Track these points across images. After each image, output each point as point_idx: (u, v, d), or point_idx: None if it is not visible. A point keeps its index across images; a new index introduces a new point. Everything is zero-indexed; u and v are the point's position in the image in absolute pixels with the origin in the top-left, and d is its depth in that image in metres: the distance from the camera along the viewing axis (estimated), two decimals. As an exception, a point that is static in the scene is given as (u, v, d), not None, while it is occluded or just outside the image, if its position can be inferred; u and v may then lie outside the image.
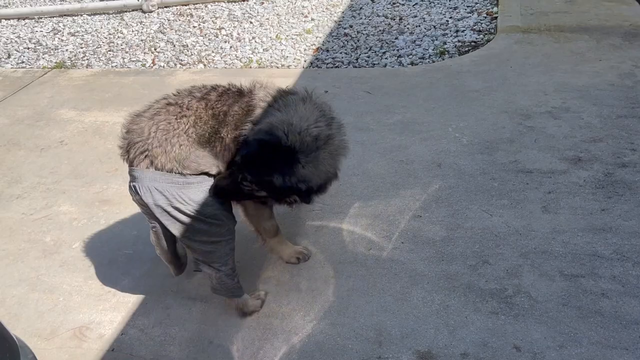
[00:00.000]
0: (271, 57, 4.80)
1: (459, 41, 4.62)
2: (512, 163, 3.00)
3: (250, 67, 4.67)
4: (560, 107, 3.45)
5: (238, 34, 5.35)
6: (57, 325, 2.40)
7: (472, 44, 4.55)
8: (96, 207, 3.12)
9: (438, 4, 5.43)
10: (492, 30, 4.72)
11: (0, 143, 3.91)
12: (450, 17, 5.08)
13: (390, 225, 2.70)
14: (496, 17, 4.89)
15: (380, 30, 5.02)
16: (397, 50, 4.61)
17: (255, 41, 5.14)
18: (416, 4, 5.49)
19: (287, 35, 5.18)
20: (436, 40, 4.68)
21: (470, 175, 2.96)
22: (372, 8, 5.53)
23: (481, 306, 2.22)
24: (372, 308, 2.28)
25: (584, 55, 4.05)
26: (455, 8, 5.27)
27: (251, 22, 5.59)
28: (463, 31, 4.77)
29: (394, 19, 5.21)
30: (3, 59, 5.53)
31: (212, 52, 5.08)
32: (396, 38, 4.82)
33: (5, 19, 6.63)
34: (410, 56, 4.49)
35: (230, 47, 5.10)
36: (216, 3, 6.20)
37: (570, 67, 3.90)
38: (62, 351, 2.28)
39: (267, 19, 5.63)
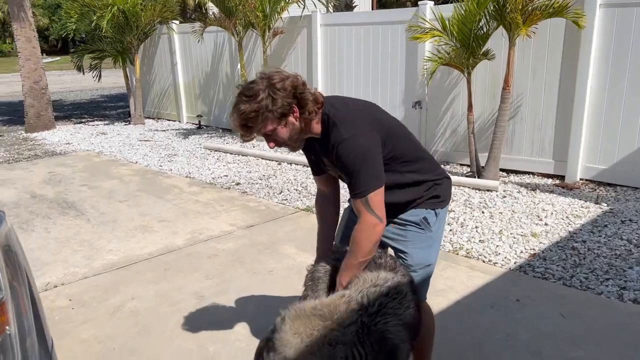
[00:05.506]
0: (483, 249, 4.77)
1: None
2: None
3: (457, 254, 4.73)
4: None
5: (464, 220, 5.51)
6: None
7: None
8: (260, 334, 3.55)
9: None
10: None
11: (231, 259, 4.81)
12: None
13: None
14: None
15: (615, 255, 4.53)
16: (625, 281, 4.08)
17: (477, 231, 5.20)
18: (674, 236, 4.80)
19: (510, 233, 5.10)
20: (680, 282, 3.99)
21: None
22: (618, 229, 5.05)
23: None
24: None
25: None
26: None
27: (483, 212, 5.70)
28: None
29: (638, 247, 4.64)
30: (275, 194, 6.83)
31: (433, 230, 5.32)
32: (630, 267, 4.28)
33: (295, 164, 8.25)
34: (638, 292, 3.91)
35: (450, 230, 5.27)
36: (461, 187, 6.54)
37: None
38: None
39: (501, 212, 5.66)
